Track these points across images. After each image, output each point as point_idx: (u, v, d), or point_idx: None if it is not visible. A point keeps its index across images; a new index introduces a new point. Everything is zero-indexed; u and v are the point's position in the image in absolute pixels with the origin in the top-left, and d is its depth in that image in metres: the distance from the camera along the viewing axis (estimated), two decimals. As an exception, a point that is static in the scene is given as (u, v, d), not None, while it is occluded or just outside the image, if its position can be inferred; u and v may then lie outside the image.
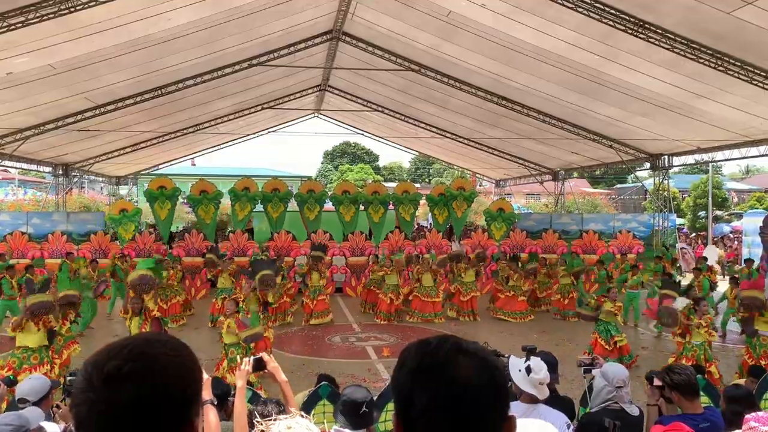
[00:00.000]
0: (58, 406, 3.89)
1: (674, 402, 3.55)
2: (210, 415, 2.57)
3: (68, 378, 4.68)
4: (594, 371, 4.08)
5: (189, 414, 1.16)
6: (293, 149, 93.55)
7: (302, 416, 2.45)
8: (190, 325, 13.67)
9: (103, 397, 1.07)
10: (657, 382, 3.83)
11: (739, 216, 32.52)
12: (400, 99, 20.57)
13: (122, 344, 1.16)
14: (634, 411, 3.60)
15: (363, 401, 3.22)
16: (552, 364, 3.91)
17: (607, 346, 9.52)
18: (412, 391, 1.14)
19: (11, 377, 4.58)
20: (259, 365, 3.14)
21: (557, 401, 3.69)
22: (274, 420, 2.49)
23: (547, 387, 3.35)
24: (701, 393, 8.03)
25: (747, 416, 3.44)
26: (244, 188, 17.73)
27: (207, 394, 2.61)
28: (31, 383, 3.85)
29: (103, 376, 1.08)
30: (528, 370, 3.22)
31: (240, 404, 2.91)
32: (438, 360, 1.15)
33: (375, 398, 3.57)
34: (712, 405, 4.07)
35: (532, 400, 3.21)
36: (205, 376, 2.69)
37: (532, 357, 3.36)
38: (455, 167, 37.14)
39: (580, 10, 10.82)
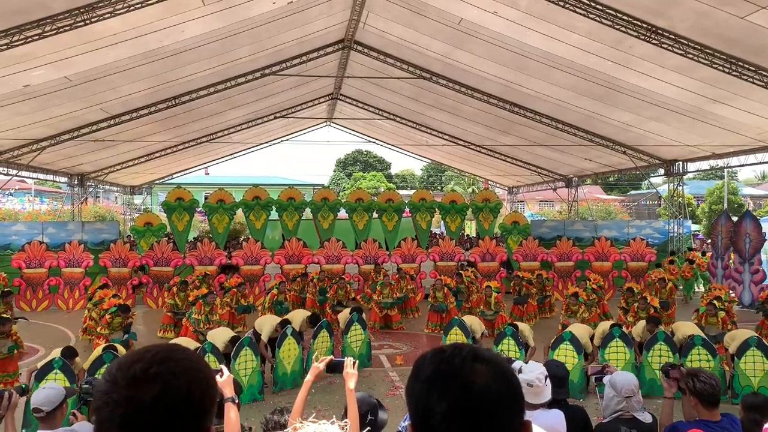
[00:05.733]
0: (74, 414, 3.92)
1: (692, 405, 3.50)
2: (231, 412, 2.70)
3: (83, 386, 4.69)
4: (604, 379, 4.05)
5: (205, 421, 1.18)
6: (305, 157, 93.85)
7: (332, 423, 2.48)
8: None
9: (127, 397, 1.10)
10: (674, 374, 3.84)
11: (756, 222, 32.06)
12: (412, 107, 20.61)
13: (145, 350, 1.20)
14: (646, 418, 3.57)
15: (369, 409, 3.21)
16: (560, 378, 3.87)
17: None
18: (430, 400, 1.12)
19: (23, 386, 4.62)
20: (334, 368, 3.18)
21: (569, 410, 3.67)
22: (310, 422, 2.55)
23: (554, 398, 3.40)
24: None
25: (766, 426, 3.40)
26: (254, 197, 17.83)
27: (229, 391, 2.72)
28: (46, 393, 3.86)
29: (129, 378, 1.12)
30: (520, 370, 3.27)
31: (300, 396, 3.04)
32: (454, 368, 1.14)
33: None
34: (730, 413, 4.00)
35: (531, 406, 3.23)
36: (227, 373, 2.78)
37: (530, 361, 3.42)
38: (467, 174, 37.07)
39: (592, 16, 10.79)
